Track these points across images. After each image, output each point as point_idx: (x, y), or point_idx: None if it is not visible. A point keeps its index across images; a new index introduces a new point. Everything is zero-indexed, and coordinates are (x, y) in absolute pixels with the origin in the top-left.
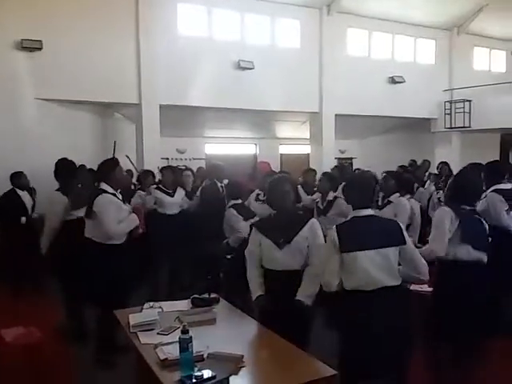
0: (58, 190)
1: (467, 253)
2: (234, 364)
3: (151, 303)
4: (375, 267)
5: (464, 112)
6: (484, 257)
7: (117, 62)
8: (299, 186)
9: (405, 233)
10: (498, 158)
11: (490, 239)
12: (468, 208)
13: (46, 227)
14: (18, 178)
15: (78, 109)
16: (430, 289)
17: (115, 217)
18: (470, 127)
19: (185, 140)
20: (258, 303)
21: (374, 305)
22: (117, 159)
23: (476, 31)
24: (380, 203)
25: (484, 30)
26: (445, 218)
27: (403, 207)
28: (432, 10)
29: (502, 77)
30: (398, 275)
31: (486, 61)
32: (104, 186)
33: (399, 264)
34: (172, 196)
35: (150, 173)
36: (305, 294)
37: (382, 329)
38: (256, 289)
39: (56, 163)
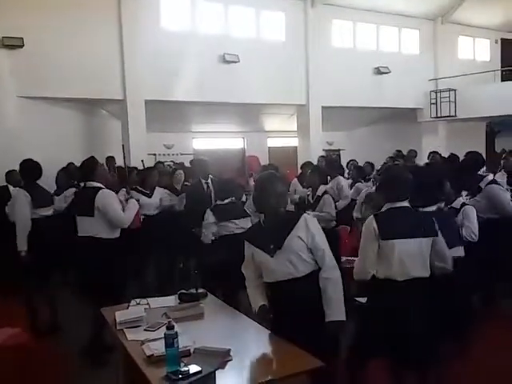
0: (21, 187)
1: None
2: (221, 358)
3: (138, 300)
4: (410, 257)
5: (449, 101)
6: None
7: (100, 58)
8: (295, 179)
9: (436, 225)
10: (484, 147)
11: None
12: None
13: (18, 228)
14: (10, 176)
15: (62, 106)
16: None
17: (119, 207)
18: (455, 116)
19: (172, 135)
20: (260, 314)
21: (403, 295)
22: (94, 158)
23: (460, 20)
24: None
25: (468, 18)
26: None
27: None
28: (415, 0)
29: (487, 65)
30: (428, 267)
31: (471, 50)
32: (94, 183)
33: None
34: (149, 197)
35: (133, 170)
36: (335, 310)
37: (409, 319)
38: (257, 299)
39: (20, 164)
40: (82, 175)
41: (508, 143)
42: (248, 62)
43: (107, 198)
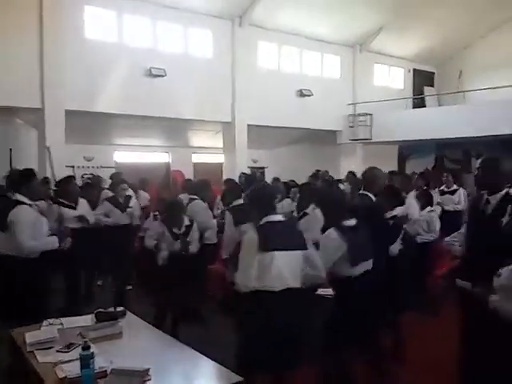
0: None
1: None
2: (139, 378)
3: (51, 320)
4: (287, 268)
5: (366, 125)
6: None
7: (16, 64)
8: (219, 196)
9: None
10: (396, 169)
11: None
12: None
13: None
14: None
15: None
16: (333, 292)
17: (31, 231)
18: (371, 139)
19: (92, 147)
20: None
21: (278, 304)
22: (33, 169)
23: (376, 49)
24: (296, 214)
25: (384, 48)
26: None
27: (317, 219)
28: (336, 28)
29: (400, 93)
30: (299, 278)
31: (386, 77)
32: (20, 197)
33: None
34: (74, 209)
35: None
36: None
37: (284, 327)
38: None
39: None
40: (13, 185)
41: (416, 166)
42: (175, 76)
43: (20, 216)
